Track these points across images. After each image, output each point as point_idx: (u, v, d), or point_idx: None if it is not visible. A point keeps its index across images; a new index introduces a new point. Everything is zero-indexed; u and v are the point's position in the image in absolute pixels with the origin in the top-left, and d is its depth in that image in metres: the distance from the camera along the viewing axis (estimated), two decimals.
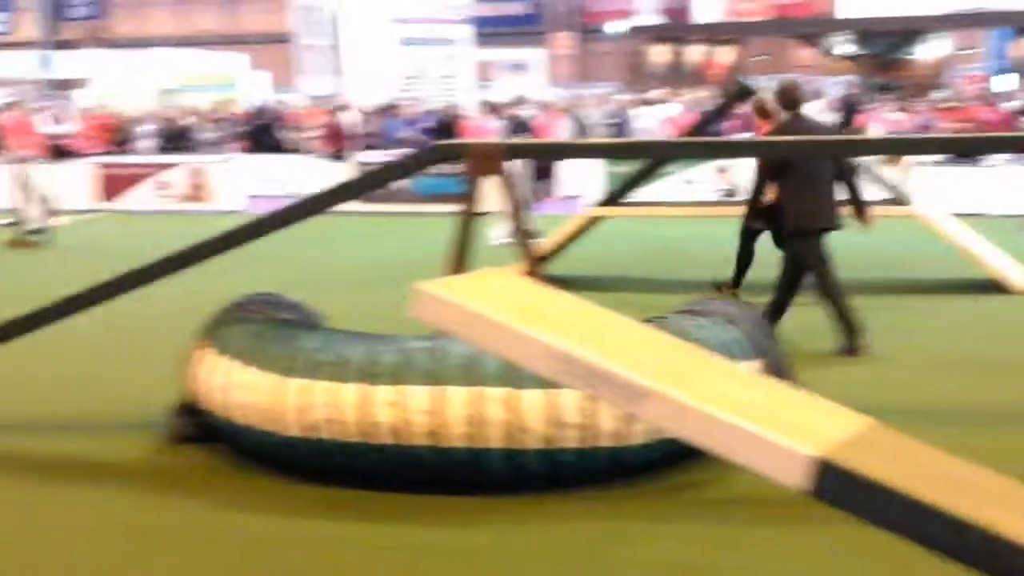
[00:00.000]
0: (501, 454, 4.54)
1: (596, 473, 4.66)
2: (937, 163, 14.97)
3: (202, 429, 5.29)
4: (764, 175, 7.49)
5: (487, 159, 5.46)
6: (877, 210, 8.00)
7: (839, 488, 1.89)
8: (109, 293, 5.71)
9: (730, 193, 14.15)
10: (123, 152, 20.59)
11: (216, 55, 30.68)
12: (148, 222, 16.81)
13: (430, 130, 18.36)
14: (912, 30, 28.04)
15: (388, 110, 20.35)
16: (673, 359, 2.35)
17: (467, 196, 5.53)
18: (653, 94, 21.59)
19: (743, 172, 10.59)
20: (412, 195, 16.47)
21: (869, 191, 8.46)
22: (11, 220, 14.39)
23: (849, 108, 17.99)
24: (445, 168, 9.65)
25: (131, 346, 7.81)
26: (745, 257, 8.94)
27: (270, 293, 5.86)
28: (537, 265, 5.75)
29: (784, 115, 7.57)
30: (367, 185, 7.03)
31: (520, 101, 20.56)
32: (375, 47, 24.87)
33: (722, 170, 14.78)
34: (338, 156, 17.80)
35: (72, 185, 17.59)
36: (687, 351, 2.49)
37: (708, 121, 11.07)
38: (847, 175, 7.47)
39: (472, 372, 4.53)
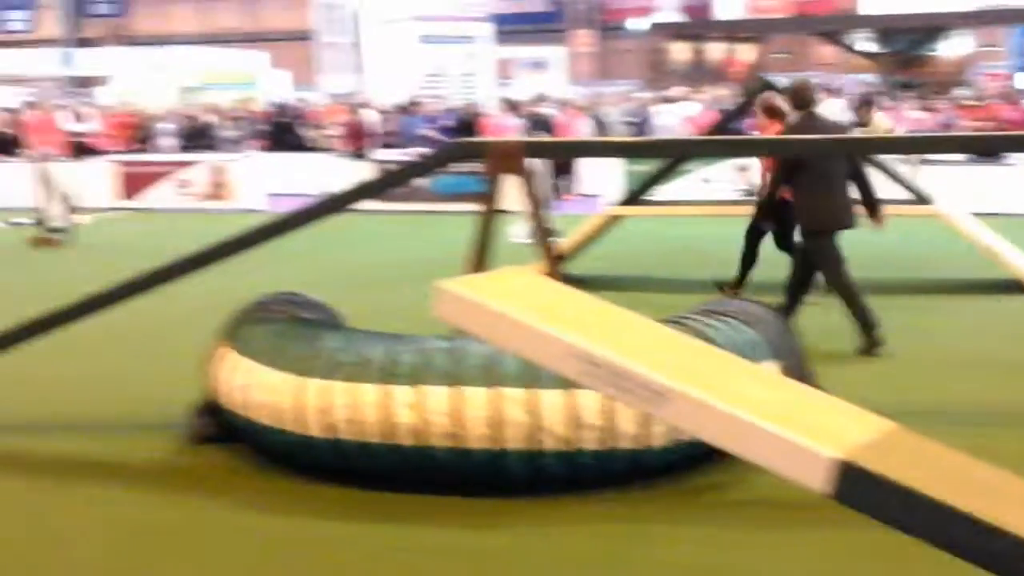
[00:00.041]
0: (520, 455, 4.52)
1: (616, 475, 4.63)
2: (958, 162, 14.88)
3: (223, 429, 5.29)
4: (777, 175, 7.45)
5: (507, 157, 5.45)
6: (899, 209, 7.95)
7: (861, 491, 1.87)
8: (131, 292, 5.72)
9: (750, 192, 14.10)
10: (144, 150, 20.66)
11: (237, 53, 30.84)
12: (169, 220, 16.85)
13: (450, 128, 18.33)
14: (934, 27, 27.91)
15: (408, 108, 20.34)
16: (694, 360, 2.34)
17: (487, 195, 5.52)
18: (673, 92, 21.55)
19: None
20: (432, 194, 16.43)
21: (890, 190, 8.41)
22: (34, 219, 14.46)
23: (863, 105, 17.93)
24: (465, 166, 9.64)
25: (152, 345, 7.82)
26: (750, 257, 8.91)
27: (292, 292, 5.85)
28: (556, 264, 5.74)
29: (795, 114, 7.54)
30: (388, 184, 7.03)
31: (540, 99, 20.54)
32: (395, 45, 24.88)
33: (742, 168, 14.71)
34: (359, 154, 17.78)
35: (93, 183, 17.61)
36: (708, 352, 2.48)
37: (729, 119, 11.06)
38: (860, 174, 7.43)
39: (491, 373, 4.52)
